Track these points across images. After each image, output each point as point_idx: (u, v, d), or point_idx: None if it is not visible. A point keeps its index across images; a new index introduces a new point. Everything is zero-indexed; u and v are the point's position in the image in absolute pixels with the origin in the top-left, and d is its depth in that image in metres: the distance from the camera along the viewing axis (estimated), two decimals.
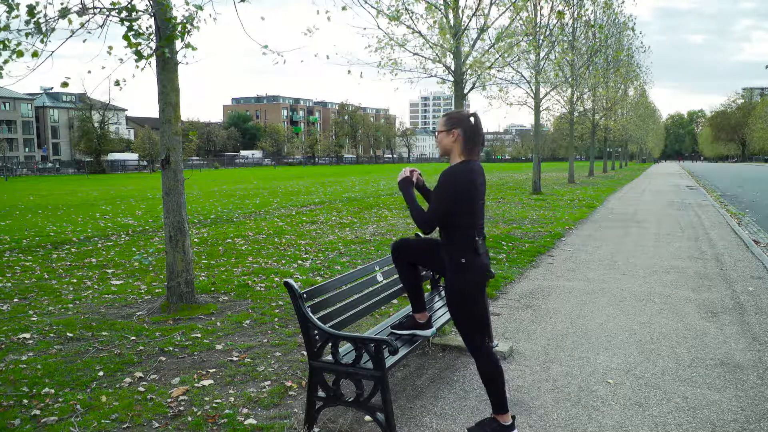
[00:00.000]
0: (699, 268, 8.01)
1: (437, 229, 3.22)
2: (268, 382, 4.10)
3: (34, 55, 5.05)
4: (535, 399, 3.85)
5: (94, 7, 5.25)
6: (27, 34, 5.02)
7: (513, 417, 3.27)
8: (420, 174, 3.41)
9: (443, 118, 3.27)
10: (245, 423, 3.49)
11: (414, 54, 11.79)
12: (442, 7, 11.08)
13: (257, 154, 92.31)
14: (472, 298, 3.15)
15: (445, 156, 3.26)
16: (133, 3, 5.38)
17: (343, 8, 9.85)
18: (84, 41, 5.57)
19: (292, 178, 41.00)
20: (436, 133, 3.29)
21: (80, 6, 5.17)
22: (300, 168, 78.31)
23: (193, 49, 5.66)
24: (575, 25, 23.85)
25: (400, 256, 3.70)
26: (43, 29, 5.02)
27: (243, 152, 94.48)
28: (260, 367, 4.38)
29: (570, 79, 24.12)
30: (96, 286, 7.04)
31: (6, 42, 4.94)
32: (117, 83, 5.57)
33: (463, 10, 11.14)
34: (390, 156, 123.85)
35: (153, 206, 17.78)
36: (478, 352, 3.22)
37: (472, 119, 3.19)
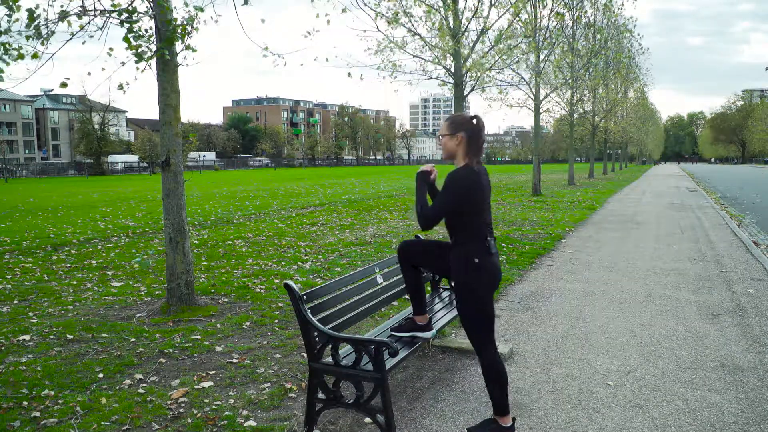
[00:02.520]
0: (699, 269, 8.01)
1: (447, 232, 3.27)
2: (268, 384, 4.10)
3: (34, 56, 5.05)
4: (535, 401, 3.85)
5: (95, 9, 5.26)
6: (27, 37, 5.02)
7: (513, 419, 3.28)
8: (436, 174, 3.44)
9: (447, 122, 3.30)
10: (245, 425, 3.49)
11: (414, 56, 11.81)
12: (441, 9, 11.10)
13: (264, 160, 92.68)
14: (484, 298, 3.19)
15: (449, 159, 3.29)
16: (133, 5, 5.39)
17: (343, 10, 9.86)
18: (83, 43, 5.58)
19: (292, 179, 41.00)
20: (440, 137, 3.30)
21: (80, 8, 5.17)
22: (300, 170, 78.34)
23: (194, 50, 5.67)
24: (575, 27, 23.88)
25: (406, 257, 3.69)
26: (44, 32, 5.03)
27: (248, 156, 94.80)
28: (260, 368, 4.38)
29: (570, 81, 24.14)
30: (96, 288, 7.03)
31: (7, 45, 4.94)
32: (120, 86, 5.58)
33: (462, 12, 11.16)
34: (390, 158, 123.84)
35: (153, 208, 17.78)
36: (485, 353, 3.24)
37: (475, 121, 3.22)
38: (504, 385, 3.23)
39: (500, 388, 3.22)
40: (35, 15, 4.97)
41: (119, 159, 71.99)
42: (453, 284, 4.68)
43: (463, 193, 3.12)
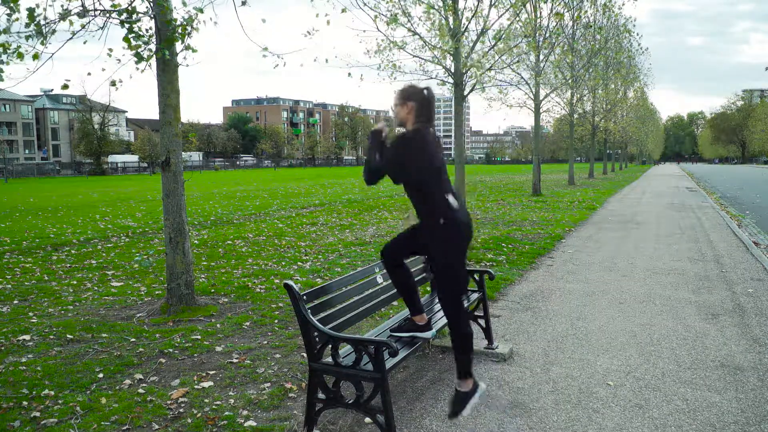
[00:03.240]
0: (699, 269, 8.01)
1: (413, 207, 3.41)
2: (268, 384, 4.10)
3: (35, 57, 5.05)
4: (535, 401, 3.85)
5: (95, 9, 5.26)
6: (27, 37, 5.02)
7: (475, 384, 3.43)
8: (387, 133, 3.59)
9: (398, 92, 3.46)
10: (245, 425, 3.49)
11: (413, 56, 11.80)
12: (441, 9, 11.09)
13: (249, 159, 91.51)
14: (456, 256, 3.29)
15: (400, 126, 3.45)
16: (133, 5, 5.39)
17: (343, 10, 9.85)
18: (84, 42, 5.57)
19: (291, 179, 41.00)
20: (392, 107, 3.48)
21: (81, 8, 5.17)
22: (300, 169, 78.31)
23: (194, 51, 5.67)
24: (575, 27, 23.88)
25: (391, 256, 3.66)
26: (44, 31, 5.03)
27: (244, 156, 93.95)
28: (260, 369, 4.38)
29: (570, 81, 24.14)
30: (96, 288, 7.03)
31: (6, 44, 4.94)
32: (113, 83, 5.57)
33: (462, 12, 11.15)
34: None
35: (153, 208, 17.78)
36: (459, 315, 3.37)
37: (425, 92, 3.40)
38: (472, 349, 3.40)
39: (468, 349, 3.39)
40: (35, 14, 4.97)
41: (119, 159, 71.91)
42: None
43: (407, 148, 3.27)
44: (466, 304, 3.49)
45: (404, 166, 3.29)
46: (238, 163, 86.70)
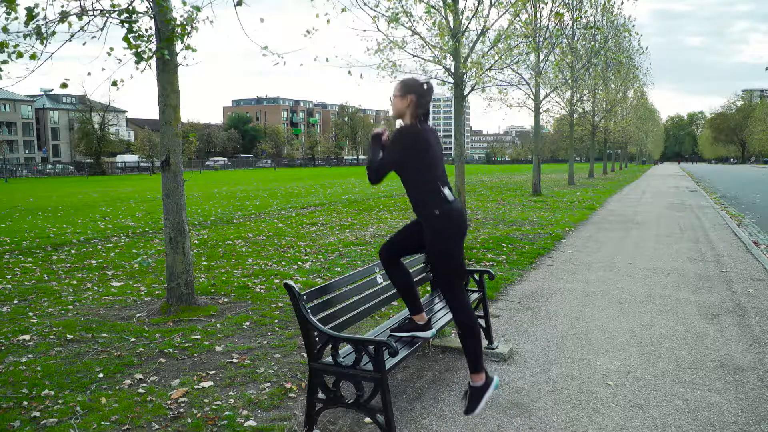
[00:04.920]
0: (699, 269, 8.01)
1: (409, 199, 3.46)
2: (268, 384, 4.10)
3: (32, 57, 5.05)
4: (535, 401, 3.85)
5: (93, 9, 5.26)
6: (25, 36, 5.02)
7: (487, 377, 3.45)
8: (388, 136, 3.61)
9: (399, 84, 3.48)
10: (245, 425, 3.49)
11: (413, 56, 11.80)
12: (441, 8, 11.09)
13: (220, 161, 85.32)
14: (451, 247, 3.33)
15: (398, 118, 3.49)
16: (133, 5, 5.38)
17: (343, 10, 9.85)
18: (84, 44, 5.58)
19: (292, 179, 40.99)
20: (391, 98, 3.49)
21: (79, 8, 5.17)
22: (300, 169, 78.28)
23: (193, 50, 5.67)
24: (575, 27, 23.88)
25: (390, 255, 3.66)
26: (43, 31, 5.02)
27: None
28: (260, 368, 4.38)
29: (569, 81, 24.13)
30: (96, 288, 7.03)
31: (5, 43, 4.93)
32: (114, 83, 5.57)
33: (462, 12, 11.15)
34: None
35: (153, 208, 17.78)
36: (458, 304, 3.40)
37: (425, 86, 3.43)
38: (478, 335, 3.42)
39: (474, 338, 3.40)
40: (34, 13, 4.97)
41: (128, 159, 71.59)
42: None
43: (406, 143, 3.31)
44: (468, 297, 3.50)
45: (403, 160, 3.33)
46: (207, 163, 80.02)
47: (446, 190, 3.36)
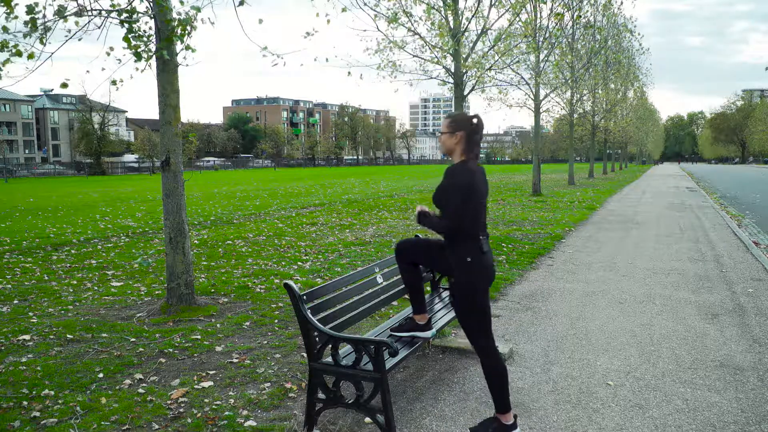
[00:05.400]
0: (699, 269, 8.01)
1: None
2: (268, 384, 4.10)
3: (30, 57, 5.04)
4: (535, 401, 3.85)
5: (92, 9, 5.25)
6: (25, 35, 5.01)
7: (515, 416, 3.30)
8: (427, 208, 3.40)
9: (447, 120, 3.34)
10: (245, 425, 3.49)
11: (414, 56, 11.81)
12: (441, 8, 11.10)
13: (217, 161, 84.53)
14: (479, 296, 3.21)
15: (447, 155, 3.35)
16: (132, 5, 5.38)
17: (343, 10, 9.85)
18: (80, 40, 5.55)
19: (292, 179, 41.00)
20: (439, 134, 3.36)
21: (78, 7, 5.17)
22: (300, 169, 78.27)
23: (193, 50, 5.66)
24: (574, 27, 23.88)
25: (403, 255, 3.72)
26: (38, 25, 5.01)
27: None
28: (260, 368, 4.38)
29: (570, 81, 24.14)
30: (96, 288, 7.03)
31: (4, 42, 4.93)
32: (114, 82, 5.57)
33: (462, 12, 11.15)
34: (390, 158, 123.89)
35: (153, 208, 17.78)
36: (483, 351, 3.27)
37: (474, 121, 3.26)
38: (504, 382, 3.25)
39: (500, 385, 3.25)
40: (35, 11, 4.96)
41: (126, 159, 71.33)
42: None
43: (463, 185, 3.15)
44: (488, 338, 3.30)
45: (463, 200, 3.14)
46: (197, 163, 77.37)
47: (483, 240, 3.22)
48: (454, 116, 3.35)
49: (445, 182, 3.17)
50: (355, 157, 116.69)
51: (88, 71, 5.91)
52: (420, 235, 4.26)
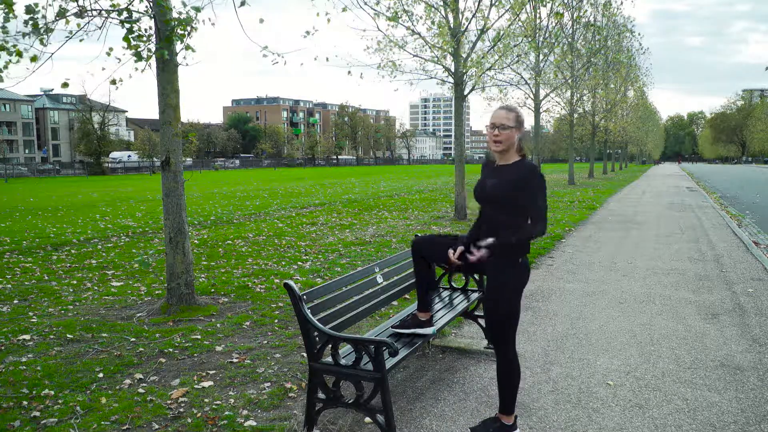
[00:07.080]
0: (699, 269, 8.01)
1: (487, 226, 3.18)
2: (268, 384, 4.10)
3: (33, 59, 5.05)
4: (535, 401, 3.85)
5: (92, 9, 5.25)
6: (24, 35, 5.01)
7: (515, 417, 3.31)
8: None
9: (513, 114, 3.12)
10: (245, 425, 3.49)
11: (414, 55, 11.82)
12: (441, 8, 11.10)
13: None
14: (518, 296, 3.20)
15: (502, 150, 3.12)
16: (132, 5, 5.38)
17: (344, 9, 9.87)
18: (81, 40, 5.53)
19: (292, 179, 40.99)
20: (496, 126, 3.08)
21: (78, 8, 5.17)
22: (300, 169, 78.25)
23: (193, 50, 5.66)
24: (574, 27, 23.89)
25: (419, 250, 3.72)
26: (42, 31, 5.02)
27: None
28: (260, 368, 4.38)
29: (569, 81, 24.13)
30: (96, 288, 7.03)
31: (4, 43, 4.93)
32: (113, 82, 5.57)
33: (462, 12, 11.16)
34: (390, 158, 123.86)
35: (153, 208, 17.78)
36: (508, 351, 3.24)
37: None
38: (517, 385, 3.27)
39: (513, 387, 3.26)
40: (34, 11, 4.96)
41: (119, 155, 71.17)
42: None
43: (545, 184, 3.09)
44: (509, 334, 3.24)
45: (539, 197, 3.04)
46: (218, 163, 77.86)
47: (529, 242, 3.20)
48: (517, 109, 3.17)
49: (534, 179, 3.02)
50: (355, 157, 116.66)
51: (88, 71, 5.95)
52: (427, 234, 4.27)
